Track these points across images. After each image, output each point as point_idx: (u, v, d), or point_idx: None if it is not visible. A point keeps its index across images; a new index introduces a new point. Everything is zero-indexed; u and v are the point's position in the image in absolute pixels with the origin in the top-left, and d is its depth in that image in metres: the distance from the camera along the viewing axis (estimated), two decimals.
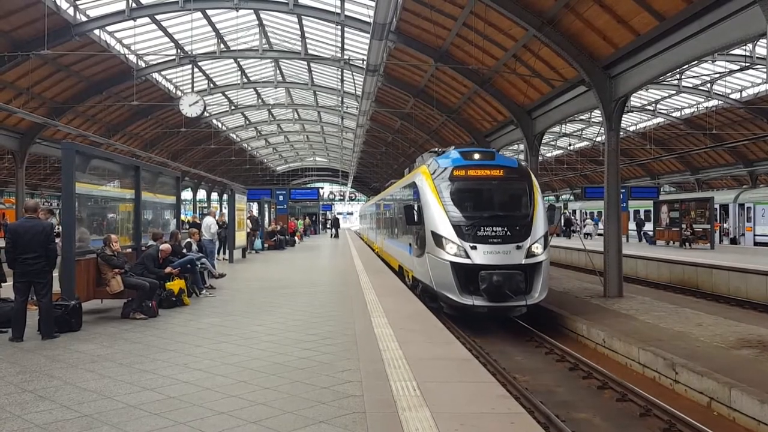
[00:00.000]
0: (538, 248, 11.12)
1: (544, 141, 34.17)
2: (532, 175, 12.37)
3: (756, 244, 29.84)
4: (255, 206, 28.83)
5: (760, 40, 19.48)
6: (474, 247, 10.85)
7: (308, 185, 77.54)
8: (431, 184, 11.87)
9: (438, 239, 11.17)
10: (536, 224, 11.35)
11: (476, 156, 12.37)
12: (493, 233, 10.98)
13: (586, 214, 43.60)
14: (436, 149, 14.89)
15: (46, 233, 7.25)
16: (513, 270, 10.69)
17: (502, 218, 11.30)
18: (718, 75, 26.32)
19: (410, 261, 13.84)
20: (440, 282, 11.12)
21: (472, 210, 11.50)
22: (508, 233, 11.03)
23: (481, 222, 11.12)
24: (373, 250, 27.71)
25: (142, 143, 39.13)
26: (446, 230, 11.09)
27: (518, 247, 10.95)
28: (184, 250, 11.91)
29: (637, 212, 37.17)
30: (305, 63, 30.97)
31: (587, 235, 35.60)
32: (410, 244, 13.69)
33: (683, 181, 46.12)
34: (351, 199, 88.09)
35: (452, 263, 10.85)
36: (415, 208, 12.12)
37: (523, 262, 10.89)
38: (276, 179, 74.07)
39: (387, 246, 20.96)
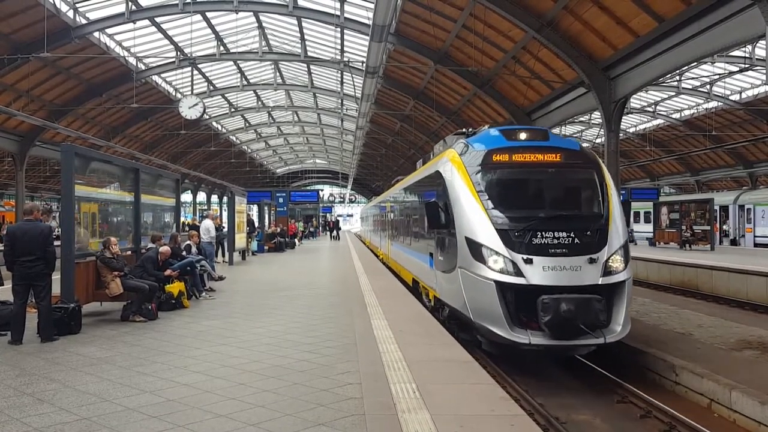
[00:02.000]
0: (618, 262, 7.98)
1: None
2: (601, 162, 9.21)
3: (756, 245, 29.85)
4: (255, 208, 28.83)
5: (760, 42, 19.50)
6: (529, 260, 7.69)
7: (308, 187, 77.57)
8: (464, 173, 8.69)
9: (476, 249, 8.04)
10: (613, 228, 8.21)
11: (523, 135, 9.03)
12: (556, 240, 7.87)
13: None
14: (464, 130, 10.88)
15: (45, 235, 7.23)
16: (587, 294, 7.54)
17: (566, 220, 8.15)
18: (717, 76, 26.35)
19: (431, 276, 10.62)
20: (480, 309, 7.95)
21: (522, 208, 8.36)
22: (576, 241, 7.90)
23: (538, 225, 7.95)
24: (377, 257, 24.28)
25: (142, 145, 39.15)
26: (488, 236, 7.97)
27: (591, 261, 7.79)
28: (184, 253, 11.91)
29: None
30: (305, 65, 31.01)
31: None
32: (431, 254, 10.48)
33: (683, 182, 46.17)
34: (351, 201, 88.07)
35: (498, 283, 7.67)
36: (441, 206, 9.07)
37: (599, 282, 7.74)
38: (276, 181, 74.10)
39: (397, 254, 17.44)
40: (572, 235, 7.92)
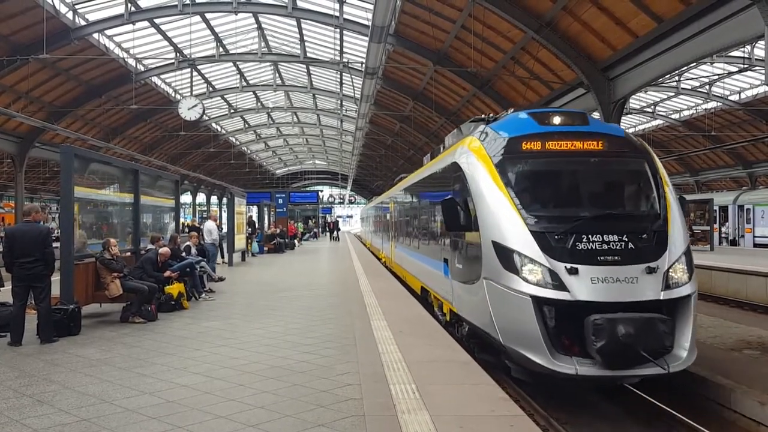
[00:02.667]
0: (681, 272, 6.61)
1: None
2: (652, 151, 7.79)
3: (755, 245, 29.86)
4: (255, 209, 28.85)
5: (759, 42, 19.52)
6: (574, 270, 6.29)
7: (308, 188, 77.58)
8: (488, 164, 7.26)
9: (506, 256, 6.63)
10: (674, 231, 6.86)
11: (557, 119, 7.59)
12: (606, 246, 6.48)
13: None
14: (483, 116, 9.21)
15: (43, 237, 7.22)
16: (647, 312, 6.21)
17: (617, 220, 6.83)
18: (716, 77, 26.38)
19: (445, 286, 9.16)
20: (511, 330, 6.55)
21: (561, 206, 7.13)
22: (631, 246, 6.52)
23: (583, 226, 6.58)
24: (379, 260, 22.70)
25: (142, 147, 39.16)
26: (522, 240, 6.59)
27: (650, 270, 6.42)
28: (183, 254, 11.90)
29: None
30: (304, 66, 31.03)
31: None
32: (445, 261, 9.08)
33: (682, 182, 46.15)
34: (350, 202, 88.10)
35: (535, 299, 6.28)
36: (459, 203, 7.61)
37: (662, 297, 6.39)
38: (275, 182, 74.13)
39: (402, 258, 15.89)
40: (625, 238, 6.53)
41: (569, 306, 6.27)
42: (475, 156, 7.60)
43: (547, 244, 6.52)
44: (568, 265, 6.34)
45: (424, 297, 11.85)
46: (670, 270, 6.53)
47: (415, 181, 13.42)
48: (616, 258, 6.44)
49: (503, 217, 6.85)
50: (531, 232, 6.61)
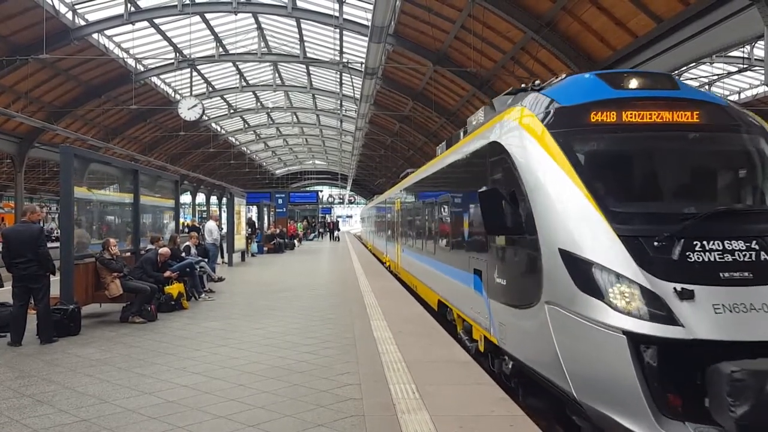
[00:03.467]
0: None
1: None
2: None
3: None
4: (254, 209, 28.86)
5: (758, 42, 19.53)
6: (687, 294, 4.34)
7: (307, 188, 77.60)
8: (549, 143, 5.31)
9: (583, 271, 4.67)
10: None
11: (635, 82, 5.55)
12: (730, 256, 4.55)
13: None
14: (526, 85, 7.16)
15: (35, 237, 7.20)
16: None
17: (741, 218, 4.94)
18: (716, 77, 26.38)
19: (478, 306, 7.00)
20: (591, 380, 4.54)
21: (657, 199, 5.20)
22: (765, 256, 4.56)
23: (694, 228, 4.64)
24: (383, 263, 21.11)
25: (141, 147, 39.17)
26: (606, 248, 4.66)
27: None
28: (183, 254, 11.91)
29: None
30: (304, 66, 31.05)
31: None
32: (478, 272, 6.98)
33: None
34: (350, 202, 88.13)
35: (632, 336, 4.32)
36: (505, 197, 5.59)
37: None
38: (275, 182, 74.16)
39: (412, 264, 13.79)
40: (755, 246, 4.55)
41: (683, 347, 4.22)
42: (527, 132, 5.57)
43: (644, 255, 4.51)
44: (679, 286, 4.33)
45: (442, 313, 9.76)
46: None
47: (431, 173, 11.14)
48: (746, 274, 4.43)
49: (576, 215, 4.85)
50: (620, 236, 4.59)
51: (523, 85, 7.22)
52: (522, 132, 5.69)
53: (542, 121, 5.49)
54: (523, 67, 18.94)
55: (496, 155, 6.18)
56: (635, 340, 4.28)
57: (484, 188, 5.80)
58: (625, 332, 4.30)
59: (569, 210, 4.93)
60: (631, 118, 5.29)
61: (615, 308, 4.41)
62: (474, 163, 7.33)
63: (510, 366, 6.02)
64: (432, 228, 10.87)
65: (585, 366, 4.59)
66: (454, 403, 4.84)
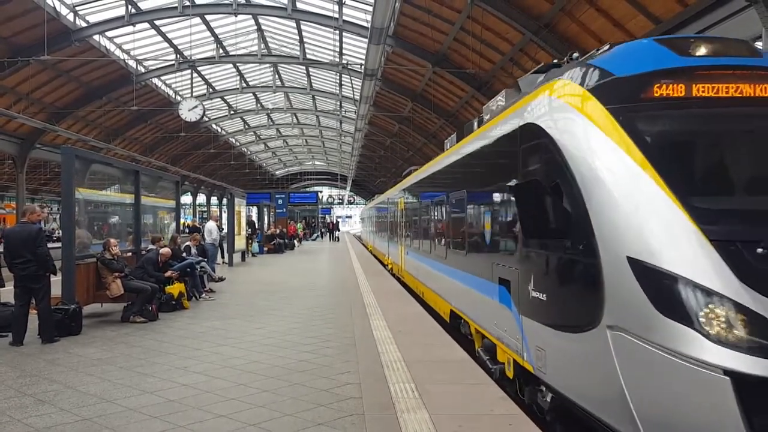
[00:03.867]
0: None
1: None
2: None
3: None
4: (254, 210, 28.91)
5: (757, 43, 19.57)
6: None
7: (307, 189, 77.64)
8: (605, 121, 4.23)
9: (664, 287, 3.57)
10: None
11: (705, 48, 4.43)
12: None
13: None
14: (558, 61, 6.68)
15: (33, 237, 7.21)
16: None
17: None
18: None
19: (505, 322, 5.89)
20: (675, 430, 3.45)
21: (754, 193, 4.13)
22: None
23: None
24: (384, 265, 20.15)
25: (142, 148, 39.20)
26: (695, 257, 3.55)
27: None
28: (184, 254, 11.94)
29: None
30: (304, 68, 31.10)
31: None
32: (505, 282, 5.84)
33: None
34: (350, 203, 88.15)
35: (737, 378, 3.19)
36: (548, 189, 4.56)
37: None
38: (275, 183, 74.21)
39: (419, 269, 12.51)
40: None
41: None
42: (576, 110, 4.44)
43: (745, 265, 3.47)
44: None
45: (455, 326, 8.64)
46: None
47: (441, 168, 9.99)
48: None
49: (651, 213, 3.78)
50: (712, 241, 3.55)
51: (555, 61, 6.17)
52: (569, 110, 4.57)
53: (596, 96, 4.34)
54: (522, 69, 18.97)
55: (531, 140, 5.09)
56: (742, 382, 3.19)
57: (517, 181, 4.98)
58: (728, 372, 3.22)
59: (641, 207, 3.82)
60: (702, 90, 4.19)
61: (711, 338, 3.32)
62: (499, 152, 6.25)
63: (548, 399, 5.03)
64: (443, 229, 9.70)
65: (664, 411, 3.49)
66: (453, 402, 4.87)
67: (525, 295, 5.18)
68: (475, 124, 7.97)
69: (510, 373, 5.90)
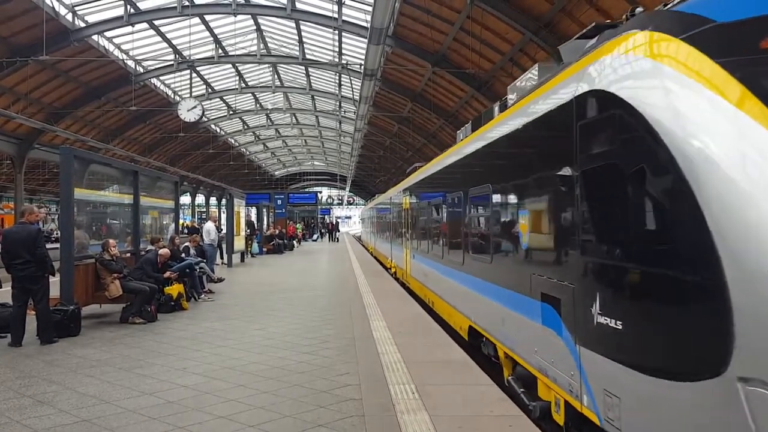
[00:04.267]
0: None
1: None
2: None
3: None
4: (254, 210, 28.89)
5: None
6: None
7: (306, 189, 77.64)
8: (721, 81, 2.93)
9: None
10: None
11: None
12: None
13: None
14: (610, 21, 5.85)
15: (32, 238, 7.19)
16: None
17: None
18: None
19: (550, 353, 4.64)
20: None
21: None
22: None
23: None
24: (386, 268, 19.04)
25: (141, 148, 39.18)
26: None
27: None
28: (183, 255, 11.92)
29: None
30: (303, 68, 31.11)
31: None
32: (552, 300, 4.56)
33: None
34: (349, 203, 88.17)
35: None
36: (632, 179, 3.33)
37: None
38: (274, 184, 74.22)
39: (429, 275, 11.25)
40: None
41: None
42: (672, 69, 3.26)
43: None
44: None
45: (474, 344, 7.56)
46: None
47: (457, 160, 8.63)
48: None
49: None
50: None
51: (608, 21, 4.94)
52: (662, 69, 3.31)
53: (700, 50, 3.13)
54: (522, 69, 18.98)
55: (596, 114, 3.88)
56: None
57: (571, 169, 4.05)
58: None
59: None
60: None
61: None
62: (542, 135, 4.98)
63: None
64: (459, 230, 8.36)
65: None
66: (453, 403, 4.86)
67: (586, 320, 3.91)
68: (496, 109, 6.92)
69: (560, 419, 4.61)
